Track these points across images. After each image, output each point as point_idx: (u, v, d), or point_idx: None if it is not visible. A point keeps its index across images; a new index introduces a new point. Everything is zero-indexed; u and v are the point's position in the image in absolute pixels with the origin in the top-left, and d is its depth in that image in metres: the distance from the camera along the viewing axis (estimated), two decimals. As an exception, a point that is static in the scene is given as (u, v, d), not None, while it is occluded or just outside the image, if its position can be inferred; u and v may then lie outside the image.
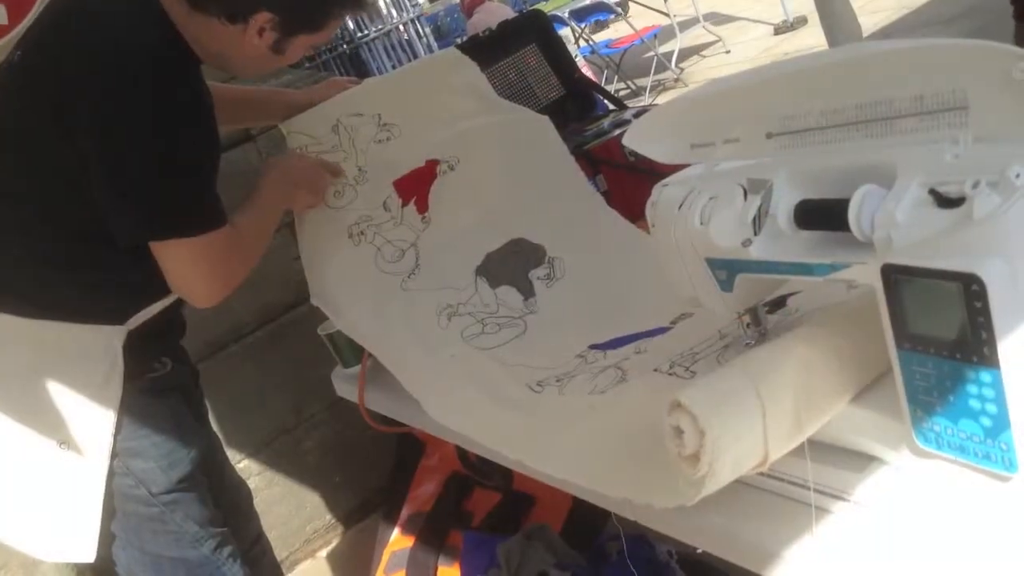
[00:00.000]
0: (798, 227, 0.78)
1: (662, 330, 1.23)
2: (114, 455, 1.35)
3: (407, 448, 2.26)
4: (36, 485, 1.36)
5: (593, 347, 1.28)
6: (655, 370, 1.07)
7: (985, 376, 0.63)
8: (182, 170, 1.24)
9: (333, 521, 2.45)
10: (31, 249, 1.30)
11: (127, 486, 1.37)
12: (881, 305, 0.68)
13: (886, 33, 5.65)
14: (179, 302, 1.40)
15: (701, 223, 0.85)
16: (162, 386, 1.40)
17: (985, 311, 0.61)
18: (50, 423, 1.32)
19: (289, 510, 2.37)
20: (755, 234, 0.80)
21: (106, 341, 1.32)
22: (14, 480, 1.37)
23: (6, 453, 1.35)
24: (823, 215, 0.75)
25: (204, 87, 1.35)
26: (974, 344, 0.63)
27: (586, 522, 1.85)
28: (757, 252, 0.80)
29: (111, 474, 1.36)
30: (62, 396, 1.32)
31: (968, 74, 0.67)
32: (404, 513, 2.17)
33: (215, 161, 1.36)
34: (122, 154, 1.21)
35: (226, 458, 1.67)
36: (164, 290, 1.32)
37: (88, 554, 1.37)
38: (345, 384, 1.57)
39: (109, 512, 1.39)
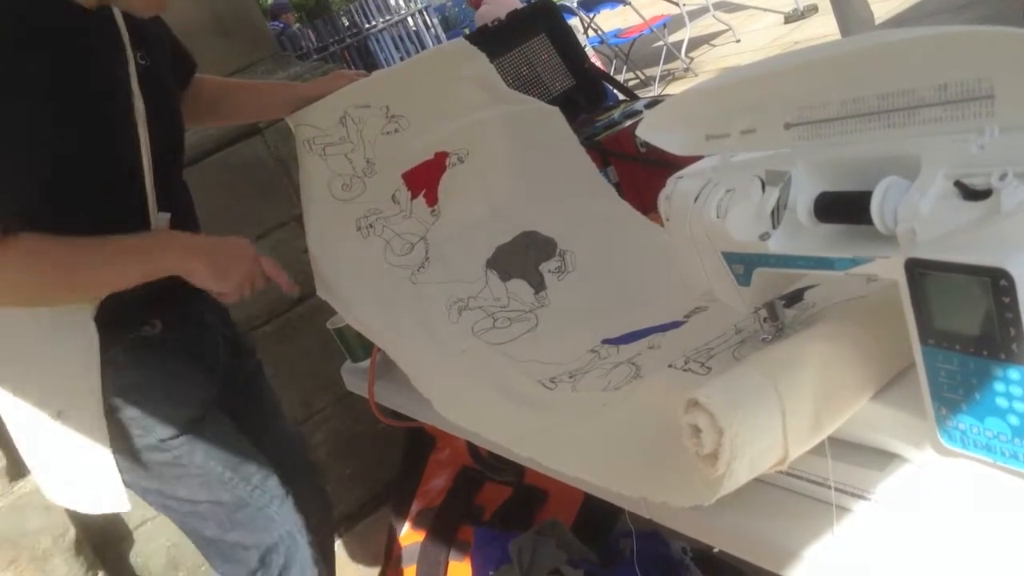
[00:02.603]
0: (818, 220, 0.76)
1: (676, 324, 1.22)
2: (115, 410, 1.34)
3: (417, 442, 2.25)
4: (54, 449, 1.37)
5: (606, 342, 1.26)
6: (670, 366, 1.05)
7: (1013, 373, 0.61)
8: None
9: (343, 515, 2.45)
10: None
11: (137, 436, 1.37)
12: (905, 300, 0.66)
13: (898, 21, 5.60)
14: None
15: (718, 216, 0.83)
16: (153, 343, 1.38)
17: (1013, 306, 0.59)
18: (45, 393, 1.33)
19: (299, 504, 2.37)
20: (773, 227, 0.79)
21: (75, 312, 1.29)
22: (38, 445, 1.38)
23: (20, 420, 1.36)
24: (844, 208, 0.73)
25: (73, 52, 1.20)
26: (1002, 340, 0.61)
27: (599, 517, 1.84)
28: (775, 246, 0.78)
29: (124, 430, 1.35)
30: (47, 365, 1.32)
31: (994, 62, 0.65)
32: (414, 508, 2.17)
33: (34, 150, 1.16)
34: None
35: (280, 414, 1.68)
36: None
37: (122, 504, 1.39)
38: (354, 378, 1.57)
39: (139, 468, 1.39)
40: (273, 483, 1.49)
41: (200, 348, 1.48)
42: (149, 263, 1.27)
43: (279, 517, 1.48)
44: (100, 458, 1.36)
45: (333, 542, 1.76)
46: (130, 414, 1.36)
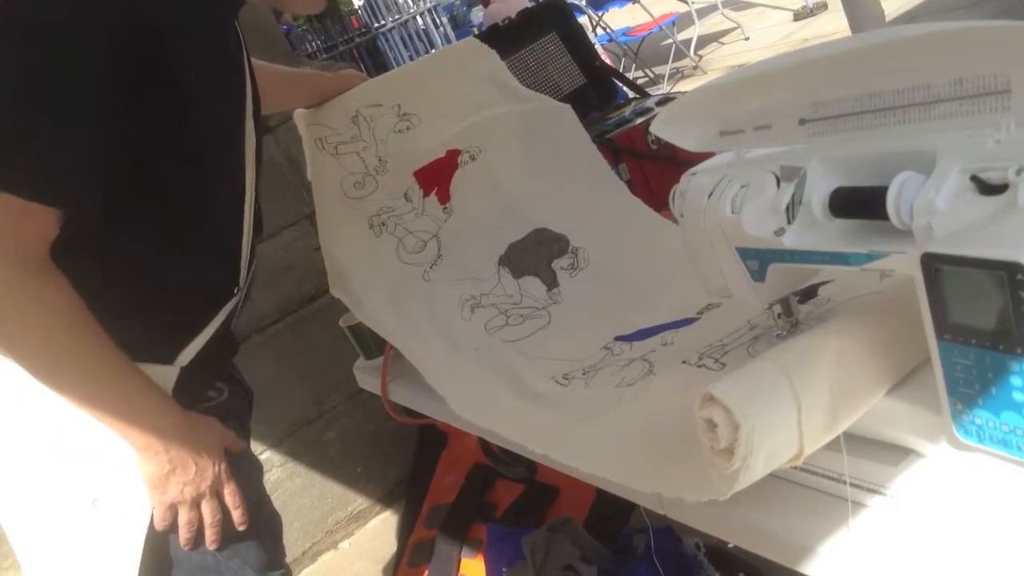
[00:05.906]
0: (833, 215, 0.76)
1: (689, 321, 1.22)
2: None
3: (429, 439, 2.26)
4: (70, 544, 1.15)
5: (619, 338, 1.26)
6: (683, 362, 1.05)
7: (1029, 368, 0.61)
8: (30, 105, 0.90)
9: (355, 512, 2.46)
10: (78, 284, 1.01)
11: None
12: (920, 295, 0.66)
13: (910, 17, 5.59)
14: (227, 321, 1.21)
15: (732, 212, 0.83)
16: (216, 415, 1.18)
17: (1030, 301, 0.59)
18: (84, 478, 1.12)
19: (311, 501, 2.38)
20: (788, 223, 0.79)
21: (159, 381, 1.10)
22: (48, 539, 1.16)
23: (39, 510, 1.16)
24: (860, 203, 0.73)
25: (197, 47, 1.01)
26: (1018, 334, 0.61)
27: (611, 514, 1.84)
28: (791, 241, 0.78)
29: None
30: (100, 447, 1.09)
31: (1010, 57, 0.65)
32: (427, 505, 2.17)
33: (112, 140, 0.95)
34: None
35: (264, 488, 1.41)
36: (203, 320, 1.16)
37: None
38: (367, 376, 1.57)
39: (166, 565, 1.18)
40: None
41: (239, 407, 1.29)
42: (128, 413, 1.03)
43: None
44: (120, 561, 1.13)
45: None
46: None
